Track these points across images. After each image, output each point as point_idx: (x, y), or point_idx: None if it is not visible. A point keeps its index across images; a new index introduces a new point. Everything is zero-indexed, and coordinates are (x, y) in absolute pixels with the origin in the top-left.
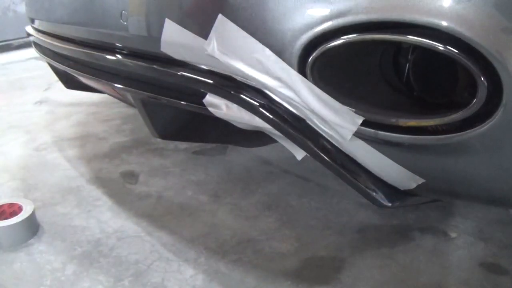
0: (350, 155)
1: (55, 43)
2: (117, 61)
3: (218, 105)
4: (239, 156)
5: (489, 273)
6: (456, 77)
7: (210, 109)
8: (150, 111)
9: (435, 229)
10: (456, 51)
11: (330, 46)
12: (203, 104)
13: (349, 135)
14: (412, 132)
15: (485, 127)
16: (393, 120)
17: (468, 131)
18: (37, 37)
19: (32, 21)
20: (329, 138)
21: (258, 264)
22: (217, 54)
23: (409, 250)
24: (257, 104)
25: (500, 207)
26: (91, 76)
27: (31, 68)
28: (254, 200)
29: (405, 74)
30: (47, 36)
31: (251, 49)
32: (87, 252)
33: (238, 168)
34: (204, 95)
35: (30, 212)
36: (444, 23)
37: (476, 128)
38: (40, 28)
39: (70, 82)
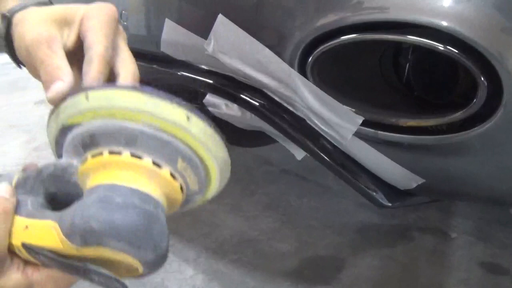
0: (350, 155)
1: None
2: None
3: (218, 105)
4: (239, 156)
5: (489, 273)
6: (456, 77)
7: (210, 109)
8: None
9: (435, 229)
10: (456, 51)
11: (330, 46)
12: (203, 104)
13: (349, 135)
14: (412, 132)
15: (485, 127)
16: (393, 120)
17: (468, 131)
18: None
19: None
20: (329, 138)
21: (258, 264)
22: (217, 54)
23: (409, 250)
24: (257, 104)
25: (500, 207)
26: None
27: None
28: (254, 200)
29: (405, 74)
30: None
31: (251, 49)
32: None
33: (238, 168)
34: (204, 95)
35: None
36: (444, 23)
37: (476, 128)
38: None
39: None
